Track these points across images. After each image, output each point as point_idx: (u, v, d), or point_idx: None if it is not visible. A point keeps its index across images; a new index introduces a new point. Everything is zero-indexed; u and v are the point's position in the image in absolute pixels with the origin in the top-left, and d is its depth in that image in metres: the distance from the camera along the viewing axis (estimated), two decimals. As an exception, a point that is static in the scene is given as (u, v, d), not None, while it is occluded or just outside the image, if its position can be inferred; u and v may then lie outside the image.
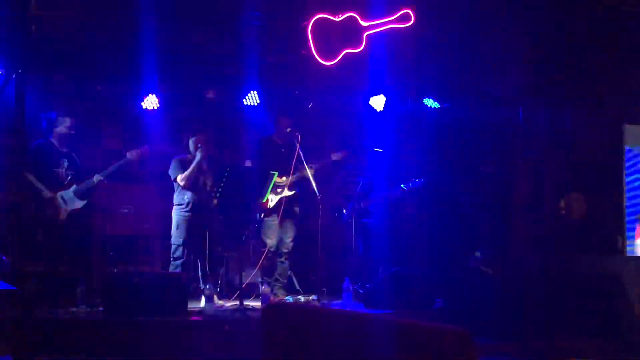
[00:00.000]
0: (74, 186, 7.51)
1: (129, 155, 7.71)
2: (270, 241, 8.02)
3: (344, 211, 8.36)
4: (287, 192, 8.00)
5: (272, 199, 7.96)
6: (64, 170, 7.53)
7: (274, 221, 8.03)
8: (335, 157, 8.30)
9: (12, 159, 6.56)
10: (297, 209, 8.17)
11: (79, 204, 7.54)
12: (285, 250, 8.11)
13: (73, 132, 7.66)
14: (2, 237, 6.95)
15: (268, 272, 8.05)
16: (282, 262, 8.12)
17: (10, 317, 6.07)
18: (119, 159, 7.77)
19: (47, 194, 7.35)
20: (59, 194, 7.43)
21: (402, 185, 8.43)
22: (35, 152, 7.45)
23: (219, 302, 7.47)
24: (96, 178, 7.58)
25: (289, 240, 8.11)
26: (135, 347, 6.20)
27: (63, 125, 7.56)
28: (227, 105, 9.26)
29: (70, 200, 7.48)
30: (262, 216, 8.01)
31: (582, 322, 6.70)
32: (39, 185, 7.32)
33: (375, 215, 8.57)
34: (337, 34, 8.00)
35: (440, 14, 8.35)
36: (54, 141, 7.57)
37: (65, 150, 7.63)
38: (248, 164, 8.46)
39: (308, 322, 4.00)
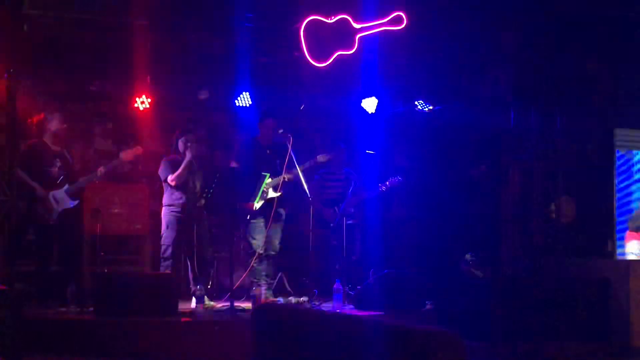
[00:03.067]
0: (66, 186, 7.50)
1: (122, 155, 7.71)
2: (256, 242, 8.01)
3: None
4: (272, 194, 7.99)
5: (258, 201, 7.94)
6: (56, 169, 7.51)
7: (260, 222, 8.02)
8: (321, 158, 8.24)
9: (3, 158, 6.54)
10: (282, 211, 8.15)
11: (71, 203, 7.52)
12: (272, 252, 8.12)
13: (65, 125, 7.64)
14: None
15: (256, 273, 8.03)
16: (269, 264, 8.12)
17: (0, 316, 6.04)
18: (111, 159, 7.76)
19: (40, 191, 7.34)
20: (51, 193, 7.41)
21: (379, 184, 8.39)
22: (28, 151, 7.43)
23: (209, 303, 7.46)
24: (99, 171, 7.57)
25: (276, 242, 8.13)
26: (125, 348, 6.19)
27: (55, 121, 7.54)
28: (219, 106, 9.25)
29: (61, 199, 7.47)
30: (248, 218, 8.00)
31: (571, 325, 6.73)
32: (32, 183, 7.30)
33: (358, 216, 8.55)
34: (329, 35, 8.00)
35: (433, 17, 8.36)
36: (47, 140, 7.55)
37: (58, 149, 7.61)
38: (234, 165, 8.43)
39: (299, 323, 4.00)
